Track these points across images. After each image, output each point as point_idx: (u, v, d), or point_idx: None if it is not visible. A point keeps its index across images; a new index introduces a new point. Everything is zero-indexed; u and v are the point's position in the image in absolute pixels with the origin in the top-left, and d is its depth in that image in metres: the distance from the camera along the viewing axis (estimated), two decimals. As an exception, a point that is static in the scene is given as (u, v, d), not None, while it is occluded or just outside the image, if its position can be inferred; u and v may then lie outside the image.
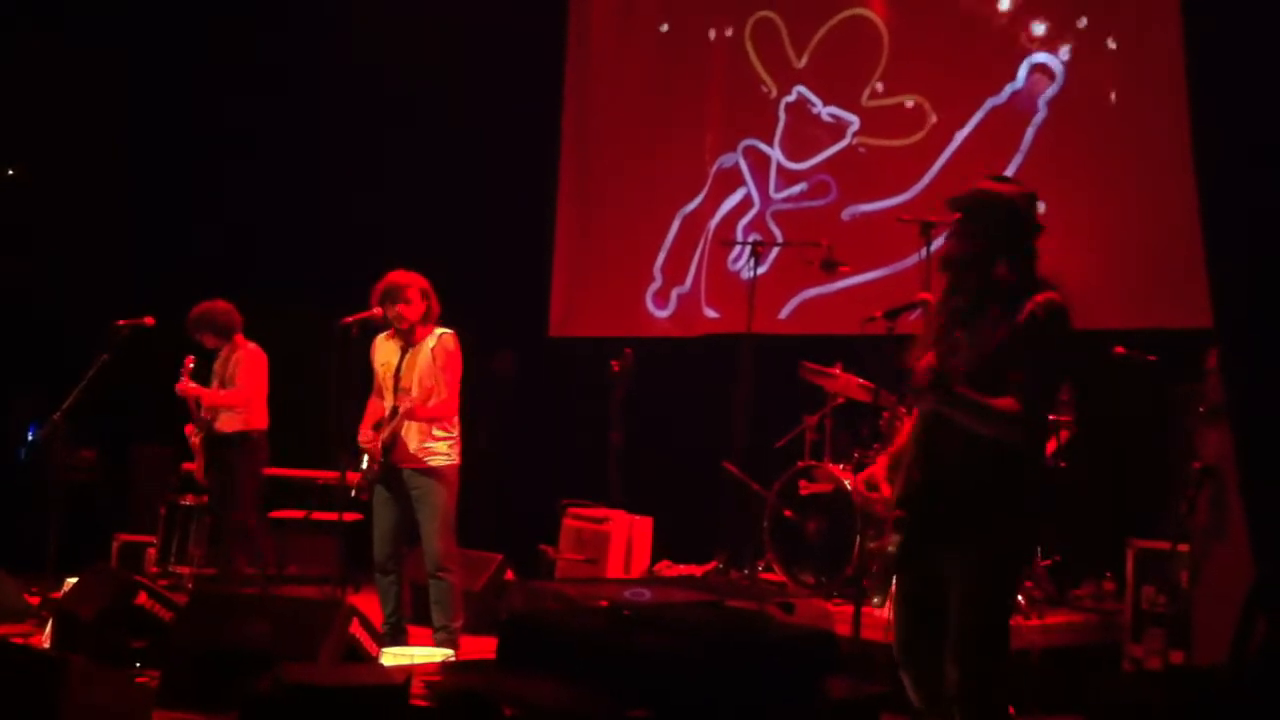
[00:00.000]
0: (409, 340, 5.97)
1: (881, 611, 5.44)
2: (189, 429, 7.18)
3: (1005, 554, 3.53)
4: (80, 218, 8.93)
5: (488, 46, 9.15)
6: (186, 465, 8.18)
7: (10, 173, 8.53)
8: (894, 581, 3.66)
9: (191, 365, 7.03)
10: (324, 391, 7.09)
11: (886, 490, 3.72)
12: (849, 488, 6.25)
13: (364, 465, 5.95)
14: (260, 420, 7.14)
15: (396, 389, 5.92)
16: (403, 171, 9.38)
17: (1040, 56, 7.14)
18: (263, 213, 9.29)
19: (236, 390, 7.06)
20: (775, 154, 8.35)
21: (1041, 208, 6.97)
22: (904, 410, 5.56)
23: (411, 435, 5.87)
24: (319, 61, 9.33)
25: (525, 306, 9.39)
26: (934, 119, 7.53)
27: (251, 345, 7.21)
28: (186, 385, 7.02)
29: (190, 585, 7.48)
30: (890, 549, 3.58)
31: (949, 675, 3.52)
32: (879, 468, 3.82)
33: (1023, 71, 7.19)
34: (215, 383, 7.13)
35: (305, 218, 9.36)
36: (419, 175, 9.35)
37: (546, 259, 9.52)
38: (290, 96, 9.37)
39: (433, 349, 5.90)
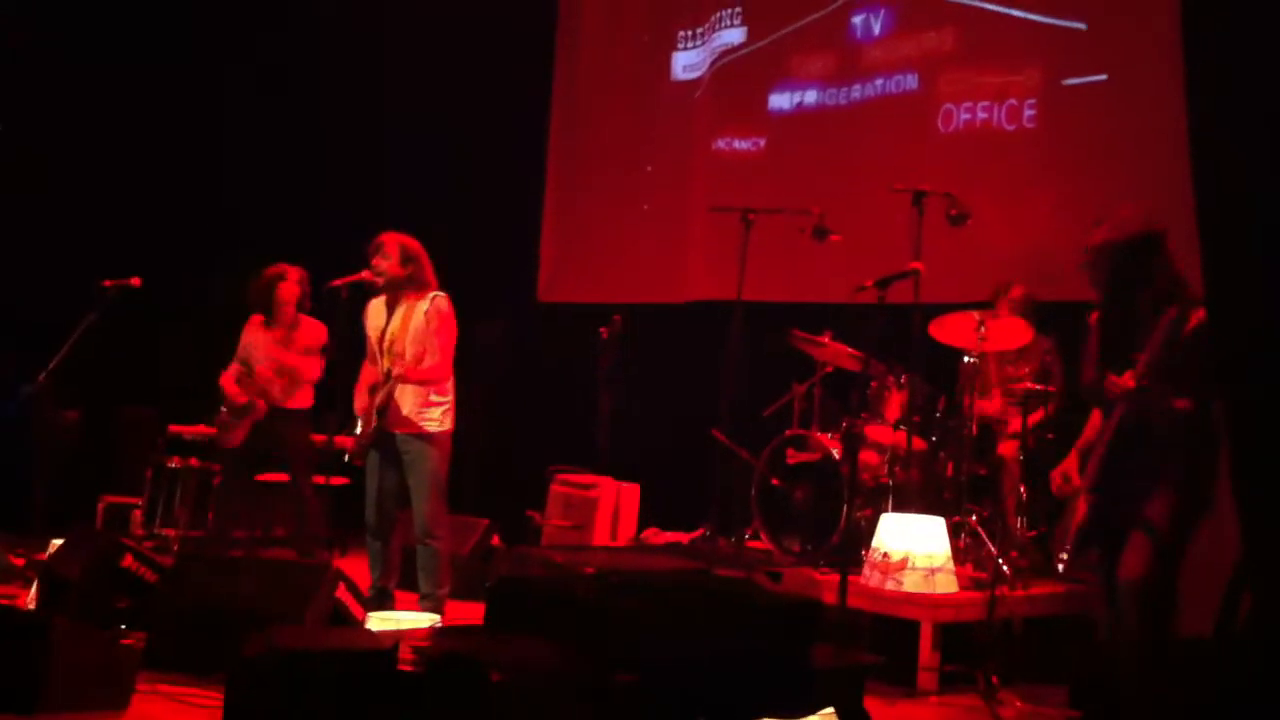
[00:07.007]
0: (395, 301, 5.93)
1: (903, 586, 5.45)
2: (240, 393, 6.85)
3: (1186, 495, 4.14)
4: (63, 175, 8.86)
5: (477, 11, 9.08)
6: (174, 427, 8.16)
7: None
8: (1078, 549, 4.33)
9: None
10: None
11: (1078, 481, 4.34)
12: (837, 457, 6.26)
13: (358, 430, 5.93)
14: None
15: (389, 352, 5.89)
16: (389, 137, 9.32)
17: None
18: (250, 176, 9.23)
19: (318, 360, 6.87)
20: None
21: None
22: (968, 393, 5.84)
23: (406, 399, 5.82)
24: (310, 31, 9.26)
25: (514, 272, 9.36)
26: (928, 96, 7.49)
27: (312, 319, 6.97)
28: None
29: (176, 547, 7.46)
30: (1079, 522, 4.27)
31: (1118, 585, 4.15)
32: (1070, 463, 4.41)
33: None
34: (275, 350, 6.86)
35: (290, 180, 9.30)
36: (406, 140, 9.29)
37: (535, 224, 9.48)
38: (280, 67, 9.30)
39: (426, 311, 5.86)
